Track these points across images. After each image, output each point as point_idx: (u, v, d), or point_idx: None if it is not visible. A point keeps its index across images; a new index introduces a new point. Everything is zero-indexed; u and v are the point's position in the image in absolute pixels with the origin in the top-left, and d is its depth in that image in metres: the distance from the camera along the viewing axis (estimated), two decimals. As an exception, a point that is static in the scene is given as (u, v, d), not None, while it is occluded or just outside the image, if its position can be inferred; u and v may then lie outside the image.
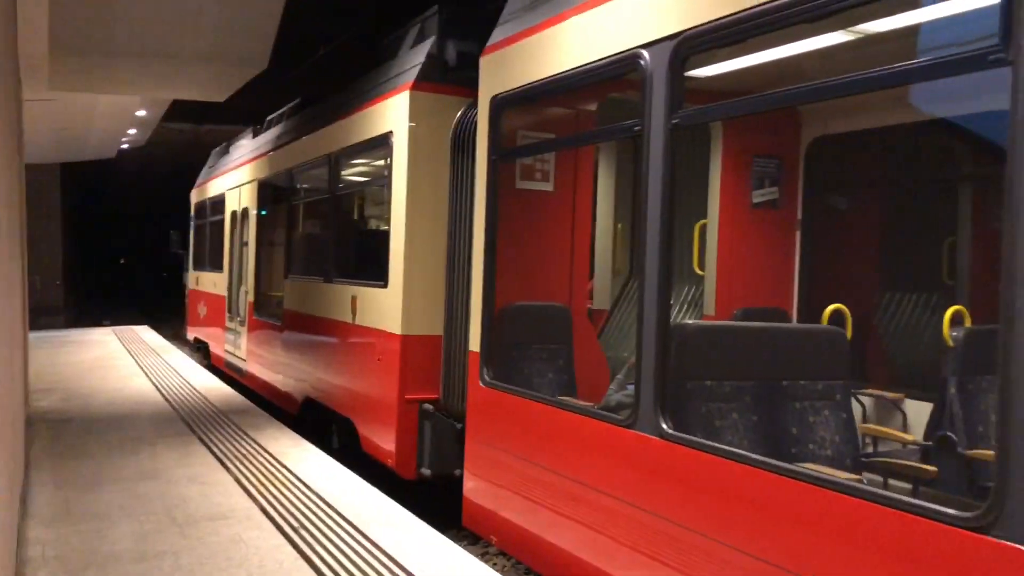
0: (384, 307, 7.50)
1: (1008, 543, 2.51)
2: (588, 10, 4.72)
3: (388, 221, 7.49)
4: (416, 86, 7.13)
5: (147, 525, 5.71)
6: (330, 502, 6.32)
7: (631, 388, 4.41)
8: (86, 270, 43.05)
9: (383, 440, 7.39)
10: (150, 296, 44.59)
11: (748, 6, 3.54)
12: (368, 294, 7.89)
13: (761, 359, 4.24)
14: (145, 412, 9.91)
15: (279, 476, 7.05)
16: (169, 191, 37.78)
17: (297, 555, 5.19)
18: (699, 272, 6.38)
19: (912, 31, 4.25)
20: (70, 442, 8.24)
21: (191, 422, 9.32)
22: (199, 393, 11.38)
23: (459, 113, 6.73)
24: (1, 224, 4.40)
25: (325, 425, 9.15)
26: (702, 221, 6.29)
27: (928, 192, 6.07)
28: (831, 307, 5.57)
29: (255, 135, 13.46)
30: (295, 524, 5.78)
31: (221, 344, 14.46)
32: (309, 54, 15.27)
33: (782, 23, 3.46)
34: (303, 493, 6.55)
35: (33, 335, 17.11)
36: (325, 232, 9.54)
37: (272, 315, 11.21)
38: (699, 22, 3.83)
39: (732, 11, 3.63)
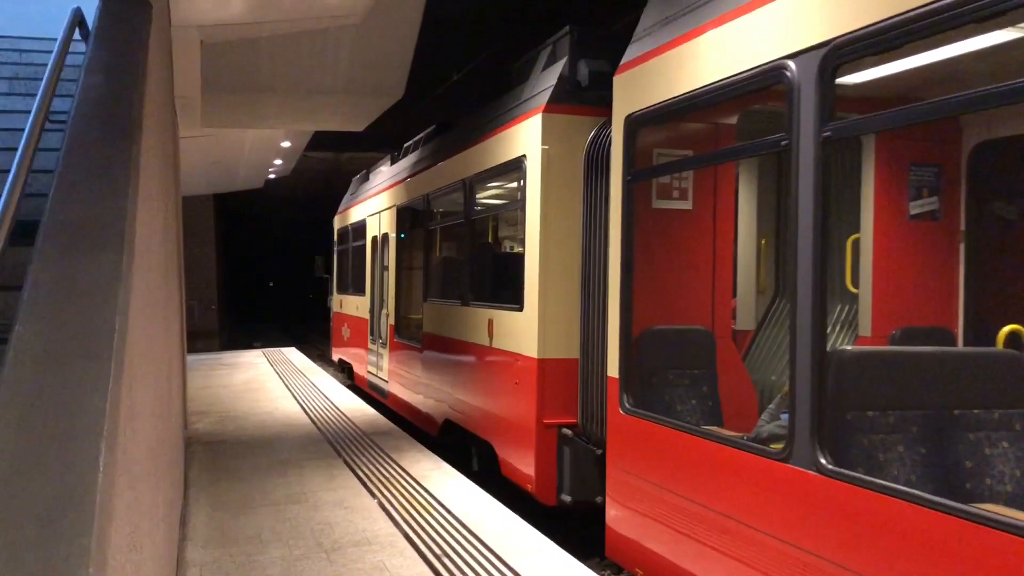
0: (520, 330, 7.51)
1: None
2: (728, 22, 4.52)
3: (523, 244, 7.53)
4: (548, 108, 7.15)
5: (296, 550, 5.86)
6: (472, 529, 6.31)
7: (785, 418, 4.15)
8: (238, 294, 45.38)
9: (523, 464, 7.39)
10: (296, 318, 46.59)
11: (904, 9, 3.29)
12: (504, 317, 7.94)
13: (930, 386, 3.90)
14: (293, 434, 10.25)
15: (421, 500, 7.11)
16: (312, 217, 39.45)
17: (440, 584, 5.18)
18: (852, 290, 6.02)
19: None
20: (224, 464, 8.60)
21: (336, 444, 9.57)
22: (343, 415, 11.69)
23: (591, 134, 6.71)
24: (161, 255, 4.62)
25: (465, 447, 9.25)
26: (855, 235, 5.91)
27: None
28: (1007, 328, 5.00)
29: (392, 162, 13.77)
30: (438, 552, 5.78)
31: (364, 365, 14.87)
32: (444, 80, 15.57)
33: (939, 27, 3.21)
34: (444, 519, 6.57)
35: (190, 358, 18.09)
36: (461, 256, 9.72)
37: (412, 337, 11.44)
38: (850, 29, 3.58)
39: (887, 15, 3.38)
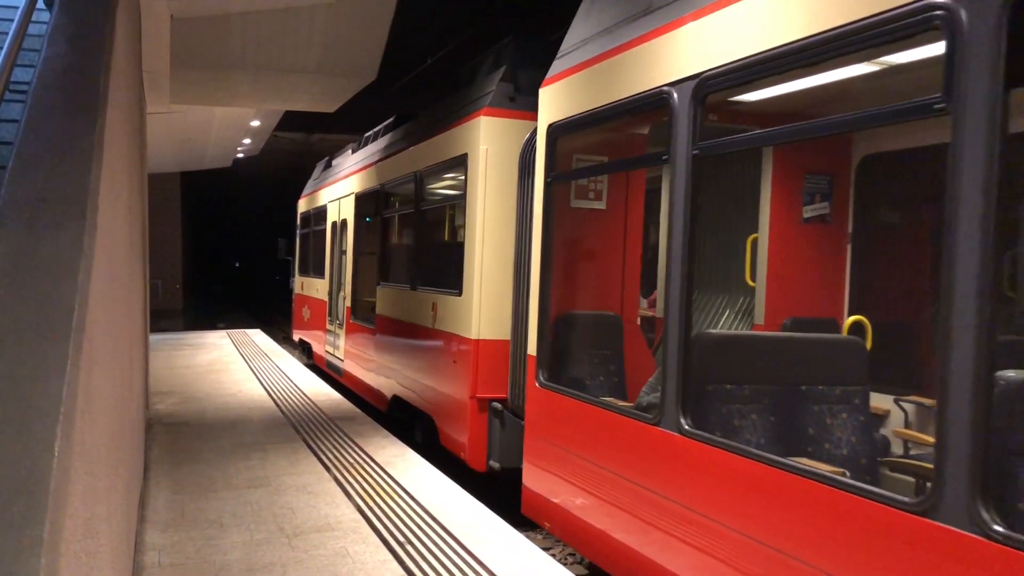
0: (459, 313, 8.18)
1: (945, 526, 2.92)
2: (627, 50, 5.19)
3: (463, 235, 8.15)
4: (488, 112, 7.78)
5: (257, 535, 5.79)
6: (436, 516, 6.28)
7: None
8: (204, 274, 44.83)
9: (457, 435, 8.07)
10: (262, 299, 46.15)
11: (755, 52, 3.98)
12: (446, 301, 8.58)
13: (781, 365, 4.57)
14: (256, 417, 10.15)
15: (385, 487, 7.06)
16: (281, 197, 39.05)
17: (404, 572, 5.15)
18: (751, 284, 6.73)
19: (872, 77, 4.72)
20: (186, 446, 8.49)
21: (300, 427, 9.48)
22: (308, 398, 11.59)
23: (527, 136, 7.17)
24: (125, 232, 4.51)
25: (410, 421, 9.93)
26: (754, 235, 6.62)
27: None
28: (852, 318, 5.85)
29: (354, 151, 14.17)
30: (401, 539, 5.75)
31: (322, 345, 15.46)
32: (418, 63, 15.43)
33: (778, 69, 3.93)
34: (408, 505, 6.53)
35: (153, 337, 17.84)
36: (411, 243, 10.31)
37: (366, 319, 12.02)
38: (716, 64, 4.26)
39: (743, 56, 4.08)
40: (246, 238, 52.48)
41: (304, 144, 26.24)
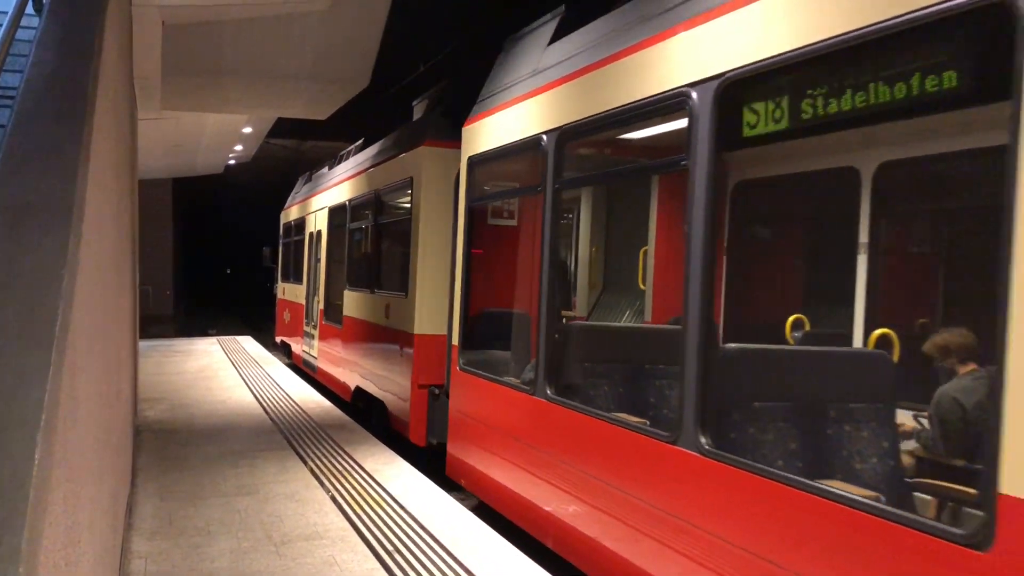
0: (405, 312, 9.64)
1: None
2: (510, 107, 6.82)
3: (410, 246, 9.54)
4: (428, 143, 9.30)
5: (244, 543, 5.76)
6: (424, 524, 6.26)
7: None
8: (195, 280, 44.72)
9: (403, 416, 9.53)
10: (253, 306, 45.99)
11: (597, 112, 5.46)
12: (396, 302, 10.08)
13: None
14: (246, 424, 10.11)
15: (373, 495, 7.04)
16: (273, 203, 38.94)
17: (390, 581, 5.13)
18: (642, 287, 7.97)
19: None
20: (174, 453, 8.45)
21: (289, 435, 9.45)
22: (297, 406, 11.56)
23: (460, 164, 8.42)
24: (114, 238, 4.49)
25: (368, 409, 11.32)
26: (645, 247, 7.83)
27: (831, 223, 7.37)
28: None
29: (329, 168, 15.67)
30: (389, 548, 5.73)
31: (300, 344, 17.02)
32: (410, 70, 15.45)
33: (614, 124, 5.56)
34: (397, 514, 6.51)
35: (143, 344, 17.77)
36: (371, 252, 11.77)
37: (336, 320, 13.45)
38: (572, 119, 5.79)
39: (592, 113, 5.51)
40: (238, 244, 52.36)
41: (296, 151, 26.23)
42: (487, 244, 8.33)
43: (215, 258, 53.67)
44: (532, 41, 7.11)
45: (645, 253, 7.60)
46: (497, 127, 6.99)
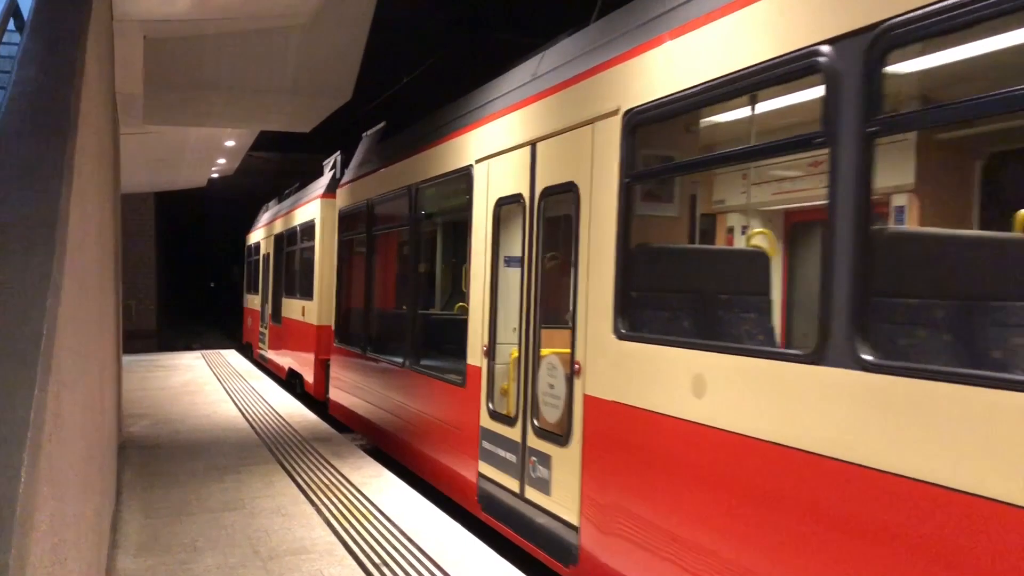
0: (311, 311, 14.52)
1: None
2: (358, 181, 11.00)
3: (313, 264, 14.44)
4: (323, 196, 14.27)
5: (231, 558, 5.74)
6: (412, 537, 6.25)
7: None
8: (178, 294, 44.46)
9: (311, 380, 14.38)
10: (237, 319, 45.74)
11: (393, 188, 9.48)
12: (307, 304, 14.82)
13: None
14: (231, 439, 10.06)
15: (361, 508, 7.03)
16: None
17: (378, 594, 5.12)
18: (464, 291, 8.69)
19: None
20: (159, 469, 8.40)
21: (275, 449, 9.42)
22: (283, 420, 11.52)
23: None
24: (97, 254, 4.49)
25: (292, 382, 16.34)
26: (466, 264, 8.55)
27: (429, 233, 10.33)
28: None
29: (278, 202, 20.63)
30: (377, 561, 5.72)
31: (257, 343, 21.68)
32: (393, 83, 15.47)
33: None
34: (384, 527, 6.50)
35: (127, 359, 17.64)
36: (295, 270, 16.55)
37: (277, 320, 18.31)
38: (378, 193, 9.87)
39: (389, 190, 9.48)
40: (222, 258, 52.11)
41: (280, 163, 26.17)
42: (354, 264, 11.53)
43: (199, 272, 53.42)
44: (373, 139, 11.24)
45: (465, 268, 8.19)
46: (353, 191, 11.27)
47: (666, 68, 4.63)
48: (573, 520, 5.34)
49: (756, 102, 5.32)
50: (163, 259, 32.25)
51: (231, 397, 13.73)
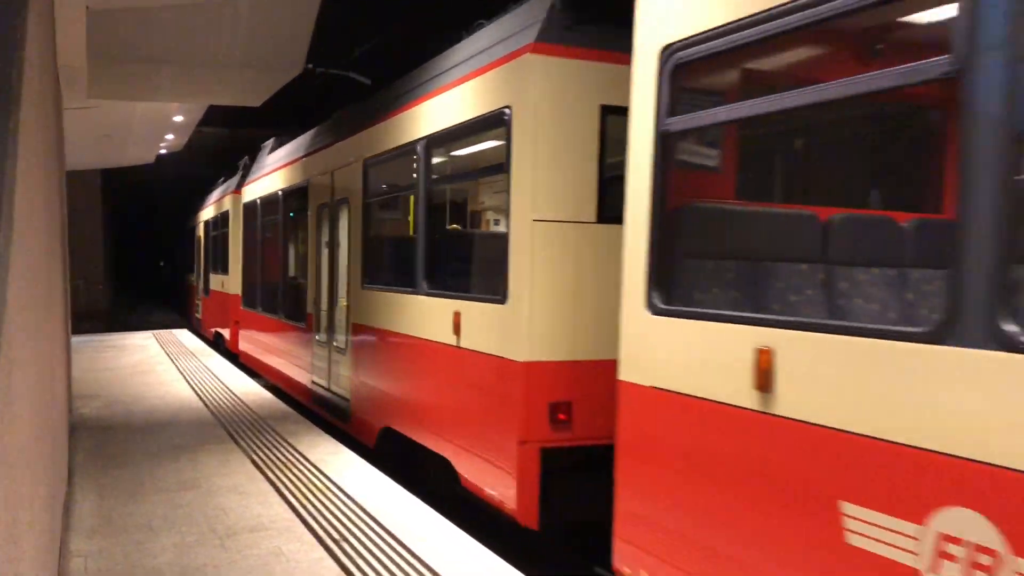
0: (228, 283, 17.99)
1: None
2: (255, 182, 15.44)
3: (228, 246, 17.99)
4: (234, 192, 17.54)
5: (188, 537, 5.69)
6: (371, 513, 6.26)
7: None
8: (127, 274, 43.62)
9: (229, 337, 17.67)
10: (186, 297, 45.03)
11: (280, 188, 12.93)
12: (225, 279, 18.41)
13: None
14: (185, 418, 9.95)
15: (319, 485, 7.01)
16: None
17: (339, 570, 5.13)
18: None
19: None
20: (112, 450, 8.28)
21: (230, 428, 9.34)
22: (238, 399, 11.41)
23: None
24: (43, 232, 4.38)
25: (217, 343, 19.57)
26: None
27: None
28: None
29: (208, 195, 23.97)
30: (336, 536, 5.72)
31: (195, 313, 25.17)
32: (344, 57, 15.27)
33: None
34: (343, 503, 6.50)
35: (75, 339, 17.30)
36: (215, 250, 20.37)
37: (207, 293, 21.87)
38: (264, 194, 14.03)
39: (275, 190, 13.19)
40: (171, 237, 51.17)
41: (231, 138, 25.71)
42: (252, 247, 14.96)
43: (148, 251, 52.42)
44: (266, 150, 14.98)
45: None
46: (252, 190, 14.88)
47: None
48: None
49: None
50: (111, 238, 31.59)
51: (184, 376, 13.56)
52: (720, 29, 3.69)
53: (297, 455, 8.08)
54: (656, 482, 4.08)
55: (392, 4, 15.06)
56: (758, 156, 5.42)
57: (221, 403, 11.00)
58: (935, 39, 3.25)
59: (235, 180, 17.65)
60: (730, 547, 3.59)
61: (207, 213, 21.99)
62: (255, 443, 8.60)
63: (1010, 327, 2.55)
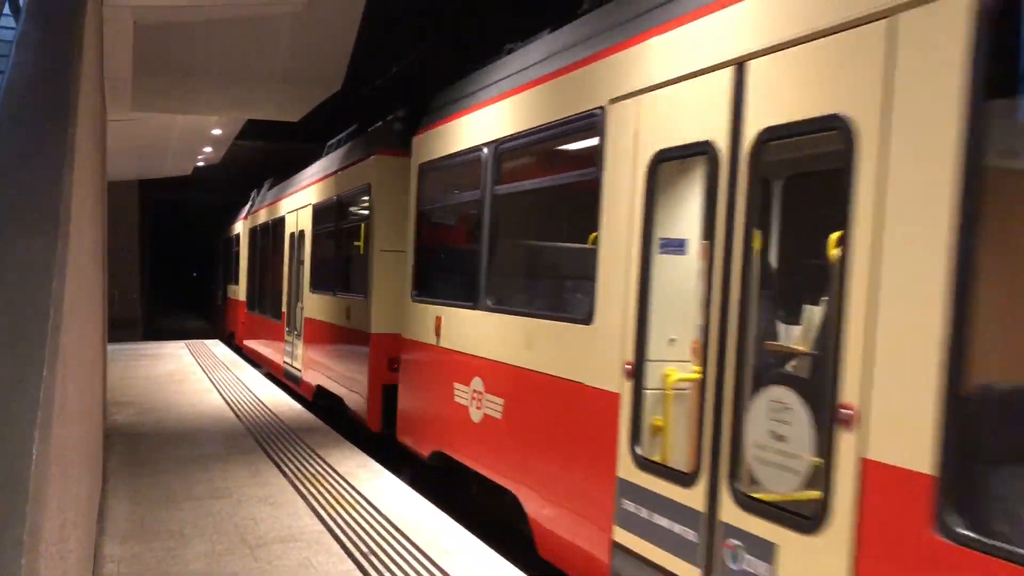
0: (238, 292, 21.92)
1: None
2: (258, 212, 19.57)
3: (240, 263, 21.96)
4: (244, 218, 22.03)
5: (218, 545, 5.75)
6: (399, 526, 6.28)
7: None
8: (162, 283, 44.19)
9: (237, 333, 22.24)
10: (222, 309, 45.47)
11: (271, 220, 17.38)
12: (237, 288, 22.23)
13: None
14: (217, 428, 10.05)
15: (348, 498, 7.05)
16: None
17: (367, 582, 5.15)
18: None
19: None
20: (145, 457, 8.39)
21: (261, 439, 9.42)
22: (268, 410, 11.51)
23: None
24: (89, 240, 4.48)
25: (230, 337, 24.02)
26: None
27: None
28: None
29: (234, 212, 26.50)
30: (365, 550, 5.74)
31: (229, 321, 27.36)
32: (382, 73, 15.44)
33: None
34: (372, 516, 6.53)
35: (111, 347, 17.54)
36: (231, 265, 24.40)
37: (225, 300, 26.38)
38: (261, 223, 18.59)
39: (267, 221, 17.87)
40: (206, 247, 51.76)
41: (266, 151, 26.03)
42: (255, 264, 19.06)
43: (183, 261, 53.07)
44: (266, 187, 18.65)
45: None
46: (254, 219, 19.47)
47: None
48: None
49: None
50: (147, 248, 32.04)
51: (216, 387, 13.70)
52: (440, 158, 7.51)
53: (327, 467, 8.13)
54: (406, 387, 8.27)
55: (430, 25, 15.23)
56: (465, 219, 7.80)
57: (251, 414, 11.10)
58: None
59: (246, 208, 21.98)
60: (432, 415, 7.47)
61: (230, 232, 26.50)
62: (285, 455, 8.67)
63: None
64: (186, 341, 23.32)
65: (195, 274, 54.50)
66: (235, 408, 11.52)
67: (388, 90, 15.99)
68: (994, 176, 2.89)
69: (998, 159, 2.96)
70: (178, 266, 53.00)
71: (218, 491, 7.18)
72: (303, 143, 21.60)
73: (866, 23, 3.23)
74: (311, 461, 8.38)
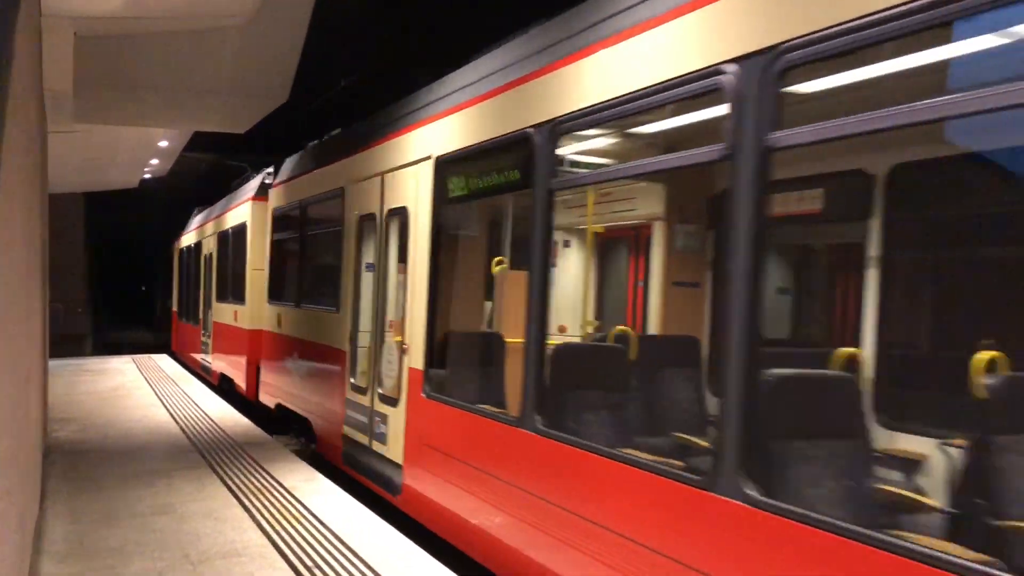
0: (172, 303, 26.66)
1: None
2: (187, 235, 22.43)
3: (173, 278, 26.67)
4: (180, 237, 24.79)
5: (160, 563, 5.67)
6: (345, 540, 6.25)
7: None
8: (108, 297, 43.38)
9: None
10: (169, 323, 44.73)
11: (203, 236, 20.00)
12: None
13: None
14: (162, 443, 9.90)
15: (294, 512, 6.99)
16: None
17: (310, 596, 5.11)
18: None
19: None
20: (87, 474, 8.23)
21: (207, 454, 9.29)
22: (215, 424, 11.36)
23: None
24: (22, 255, 4.41)
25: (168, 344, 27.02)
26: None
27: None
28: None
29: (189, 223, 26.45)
30: (309, 563, 5.71)
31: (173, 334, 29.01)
32: (330, 86, 15.40)
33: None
34: (317, 530, 6.49)
35: (54, 363, 17.17)
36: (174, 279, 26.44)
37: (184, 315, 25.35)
38: (194, 241, 21.90)
39: (200, 238, 20.69)
40: (153, 261, 50.90)
41: (216, 164, 25.76)
42: (187, 279, 21.38)
43: (131, 275, 52.13)
44: (195, 214, 22.14)
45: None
46: (186, 240, 22.70)
47: None
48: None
49: None
50: (93, 261, 31.46)
51: (162, 401, 13.48)
52: (282, 206, 11.88)
53: (273, 481, 8.05)
54: (263, 364, 12.34)
55: (376, 38, 15.24)
56: (292, 252, 11.66)
57: (198, 429, 10.95)
58: None
59: (183, 232, 24.47)
60: (283, 384, 11.02)
61: (178, 245, 28.20)
62: (231, 468, 8.57)
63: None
64: (132, 356, 22.91)
65: (144, 288, 53.54)
66: (181, 423, 11.36)
67: (338, 103, 15.95)
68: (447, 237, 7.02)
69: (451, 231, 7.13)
70: (128, 281, 52.03)
71: (161, 507, 7.07)
72: (257, 155, 21.44)
73: (411, 165, 7.30)
74: (257, 475, 8.30)
